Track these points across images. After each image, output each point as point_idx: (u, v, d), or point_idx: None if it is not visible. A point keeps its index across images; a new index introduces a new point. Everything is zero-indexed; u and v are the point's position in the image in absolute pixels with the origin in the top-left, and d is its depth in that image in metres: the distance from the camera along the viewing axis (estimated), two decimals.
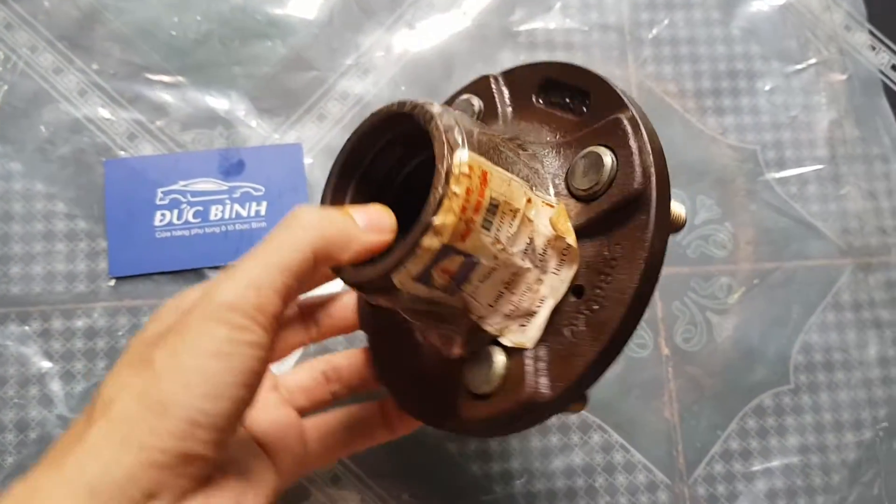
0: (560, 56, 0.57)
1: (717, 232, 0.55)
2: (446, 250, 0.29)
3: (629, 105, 0.32)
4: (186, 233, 0.50)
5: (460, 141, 0.29)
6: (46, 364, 0.48)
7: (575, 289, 0.31)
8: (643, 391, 0.52)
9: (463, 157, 0.29)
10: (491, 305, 0.31)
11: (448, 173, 0.28)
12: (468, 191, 0.28)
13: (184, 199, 0.51)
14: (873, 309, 0.55)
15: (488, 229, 0.29)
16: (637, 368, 0.52)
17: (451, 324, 0.32)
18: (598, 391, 0.51)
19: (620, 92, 0.33)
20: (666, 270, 0.54)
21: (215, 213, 0.51)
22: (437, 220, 0.28)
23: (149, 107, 0.52)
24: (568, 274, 0.31)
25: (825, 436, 0.53)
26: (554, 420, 0.51)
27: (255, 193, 0.51)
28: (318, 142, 0.53)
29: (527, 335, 0.31)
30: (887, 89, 0.59)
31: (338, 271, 0.31)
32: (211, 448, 0.28)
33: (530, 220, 0.31)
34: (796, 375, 0.53)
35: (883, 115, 0.59)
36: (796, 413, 0.53)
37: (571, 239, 0.31)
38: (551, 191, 0.33)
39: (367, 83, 0.55)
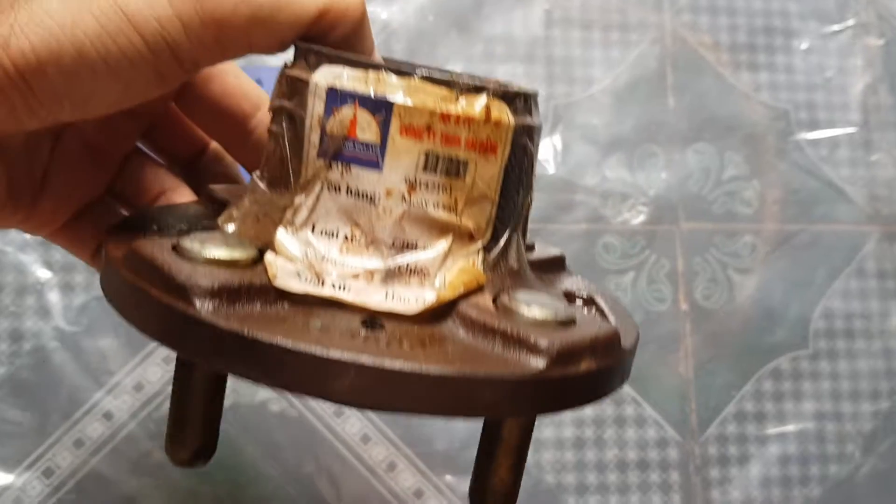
0: None
1: (744, 189, 0.54)
2: (379, 105, 0.22)
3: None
4: None
5: (521, 111, 0.24)
6: (46, 273, 0.46)
7: (370, 321, 0.22)
8: (659, 345, 0.50)
9: (506, 114, 0.23)
10: (314, 224, 0.23)
11: (485, 90, 0.23)
12: (470, 120, 0.23)
13: None
14: None
15: (424, 168, 0.23)
16: (654, 322, 0.51)
17: (278, 189, 0.24)
18: None
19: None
20: (689, 225, 0.53)
21: None
22: (420, 75, 0.23)
23: None
24: (390, 307, 0.23)
25: (842, 404, 0.51)
26: None
27: None
28: None
29: (281, 275, 0.22)
30: None
31: (306, 38, 0.24)
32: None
33: (449, 232, 0.24)
34: (816, 341, 0.52)
35: None
36: (813, 379, 0.51)
37: (444, 297, 0.23)
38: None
39: (394, 10, 0.53)
